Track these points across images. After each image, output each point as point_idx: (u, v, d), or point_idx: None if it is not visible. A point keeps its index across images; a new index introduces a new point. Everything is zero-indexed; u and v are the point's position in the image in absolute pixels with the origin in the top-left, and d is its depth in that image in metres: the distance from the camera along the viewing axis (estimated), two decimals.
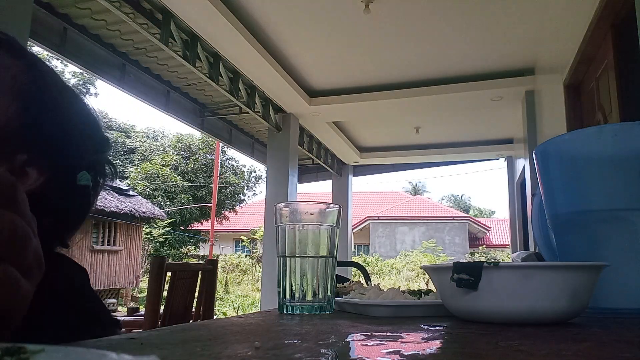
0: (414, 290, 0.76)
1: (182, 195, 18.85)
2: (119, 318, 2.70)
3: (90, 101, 0.70)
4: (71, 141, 0.62)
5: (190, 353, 0.36)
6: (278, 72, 4.72)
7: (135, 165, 20.54)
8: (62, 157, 0.61)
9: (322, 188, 12.16)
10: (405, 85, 5.23)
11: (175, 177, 18.98)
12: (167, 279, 2.79)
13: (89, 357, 0.25)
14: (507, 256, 18.85)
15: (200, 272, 3.04)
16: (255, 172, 22.04)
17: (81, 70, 4.35)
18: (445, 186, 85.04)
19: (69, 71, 21.22)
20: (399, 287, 0.79)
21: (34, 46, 3.68)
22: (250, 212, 22.92)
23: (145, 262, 15.04)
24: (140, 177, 18.56)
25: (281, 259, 0.72)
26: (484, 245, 23.30)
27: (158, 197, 18.22)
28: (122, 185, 14.52)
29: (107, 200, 11.78)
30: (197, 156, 20.23)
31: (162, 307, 2.80)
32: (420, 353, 0.38)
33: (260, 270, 7.51)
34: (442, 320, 0.60)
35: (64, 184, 0.61)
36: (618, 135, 0.74)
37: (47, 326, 0.52)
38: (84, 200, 0.65)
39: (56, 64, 16.72)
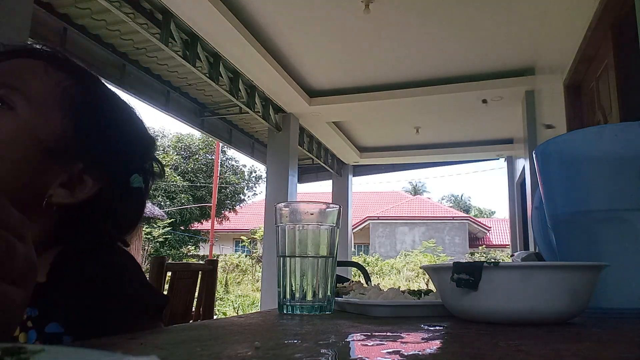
0: (414, 290, 0.76)
1: (182, 195, 18.85)
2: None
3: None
4: (123, 147, 0.66)
5: (190, 353, 0.36)
6: (278, 72, 4.72)
7: None
8: (116, 162, 0.64)
9: (322, 188, 12.17)
10: (405, 85, 5.23)
11: (175, 177, 18.98)
12: (167, 279, 2.78)
13: (89, 357, 0.25)
14: (507, 256, 18.84)
15: (200, 272, 3.04)
16: (255, 172, 22.06)
17: None
18: (445, 186, 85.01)
19: None
20: (399, 287, 0.79)
21: None
22: (250, 212, 22.90)
23: (145, 262, 15.02)
24: None
25: (281, 259, 0.72)
26: (484, 245, 23.29)
27: (158, 197, 18.22)
28: None
29: None
30: (197, 156, 20.22)
31: None
32: (420, 353, 0.38)
33: (260, 270, 7.51)
34: (442, 320, 0.60)
35: (120, 188, 0.64)
36: (618, 135, 0.74)
37: (102, 313, 0.55)
38: (138, 201, 0.69)
39: None
